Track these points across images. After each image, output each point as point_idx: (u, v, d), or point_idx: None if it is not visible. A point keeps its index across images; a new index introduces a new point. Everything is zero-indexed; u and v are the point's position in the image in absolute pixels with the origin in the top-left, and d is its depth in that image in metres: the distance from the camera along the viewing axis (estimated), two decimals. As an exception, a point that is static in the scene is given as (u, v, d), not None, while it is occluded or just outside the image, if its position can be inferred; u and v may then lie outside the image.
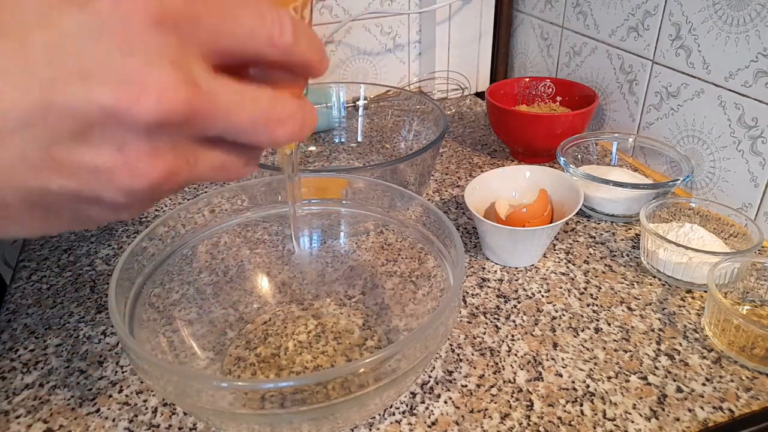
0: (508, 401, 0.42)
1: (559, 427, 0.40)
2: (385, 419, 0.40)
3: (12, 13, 0.17)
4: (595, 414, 0.41)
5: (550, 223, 0.55)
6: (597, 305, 0.51)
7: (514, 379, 0.43)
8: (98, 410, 0.42)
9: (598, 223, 0.62)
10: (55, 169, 0.18)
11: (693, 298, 0.51)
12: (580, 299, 0.51)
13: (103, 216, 0.21)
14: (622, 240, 0.60)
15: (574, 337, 0.47)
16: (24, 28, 0.17)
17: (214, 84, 0.19)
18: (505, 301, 0.51)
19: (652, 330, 0.48)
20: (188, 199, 0.68)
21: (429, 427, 0.40)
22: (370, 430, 0.40)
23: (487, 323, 0.49)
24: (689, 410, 0.41)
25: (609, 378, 0.43)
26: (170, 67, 0.18)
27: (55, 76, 0.17)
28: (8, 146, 0.18)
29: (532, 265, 0.56)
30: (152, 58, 0.17)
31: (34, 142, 0.18)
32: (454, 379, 0.43)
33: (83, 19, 0.17)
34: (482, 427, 0.40)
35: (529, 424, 0.40)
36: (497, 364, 0.45)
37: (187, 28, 0.18)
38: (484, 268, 0.56)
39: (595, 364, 0.45)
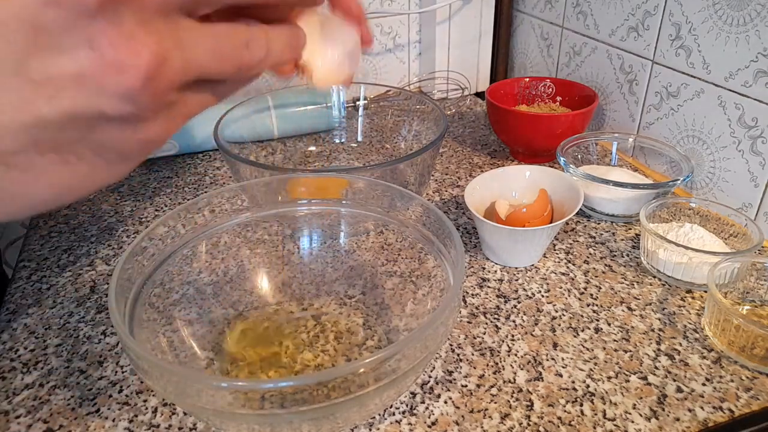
0: (508, 401, 0.42)
1: (559, 427, 0.40)
2: (385, 419, 0.40)
3: None
4: (595, 414, 0.41)
5: (550, 223, 0.55)
6: (597, 305, 0.51)
7: (514, 379, 0.43)
8: (98, 410, 0.42)
9: (598, 223, 0.62)
10: (39, 93, 0.17)
11: (693, 298, 0.51)
12: (580, 299, 0.51)
13: (123, 137, 0.19)
14: (622, 240, 0.60)
15: (574, 337, 0.47)
16: None
17: (175, 24, 0.18)
18: (505, 301, 0.51)
19: (652, 330, 0.48)
20: (188, 199, 0.68)
21: (429, 427, 0.40)
22: (370, 430, 0.40)
23: (487, 323, 0.49)
24: (689, 410, 0.41)
25: (609, 378, 0.43)
26: (151, 33, 0.17)
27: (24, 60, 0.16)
28: None
29: (532, 265, 0.56)
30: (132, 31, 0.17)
31: (3, 71, 0.16)
32: (454, 379, 0.43)
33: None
34: (482, 427, 0.40)
35: (529, 424, 0.40)
36: (497, 364, 0.45)
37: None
38: (484, 268, 0.56)
39: (595, 364, 0.45)
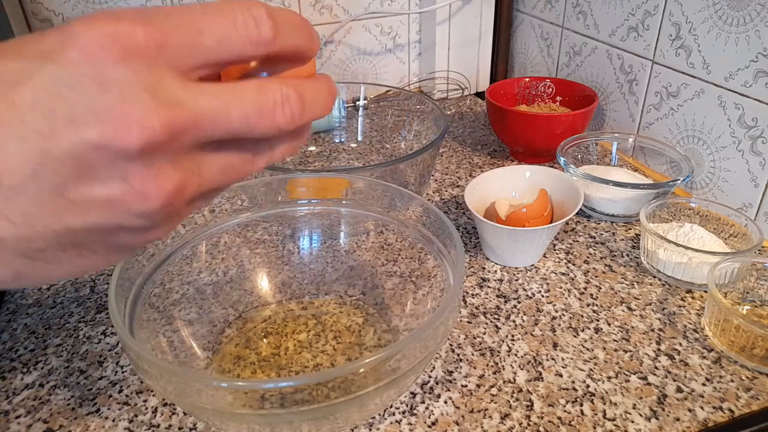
0: (508, 401, 0.42)
1: (559, 427, 0.40)
2: (385, 419, 0.40)
3: None
4: (595, 414, 0.41)
5: (550, 223, 0.55)
6: (597, 305, 0.51)
7: (514, 379, 0.43)
8: (98, 410, 0.42)
9: (598, 223, 0.62)
10: (72, 210, 0.20)
11: (693, 298, 0.51)
12: (580, 299, 0.51)
13: (133, 240, 0.22)
14: (622, 240, 0.60)
15: (574, 337, 0.47)
16: (7, 87, 0.19)
17: (193, 95, 0.20)
18: (505, 301, 0.51)
19: (652, 330, 0.48)
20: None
21: (429, 427, 0.40)
22: (370, 430, 0.40)
23: (487, 323, 0.49)
24: (689, 410, 0.41)
25: (609, 378, 0.43)
26: (144, 94, 0.19)
27: (46, 127, 0.19)
28: (23, 199, 0.19)
29: (532, 265, 0.56)
30: (125, 91, 0.19)
31: (45, 190, 0.19)
32: (454, 379, 0.43)
33: (58, 70, 0.19)
34: (482, 427, 0.40)
35: (529, 424, 0.40)
36: (497, 364, 0.45)
37: (152, 55, 0.19)
38: (484, 268, 0.56)
39: (595, 364, 0.45)
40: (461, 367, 0.45)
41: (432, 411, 0.41)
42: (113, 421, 0.41)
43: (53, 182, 0.19)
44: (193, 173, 0.21)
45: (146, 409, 0.42)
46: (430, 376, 0.44)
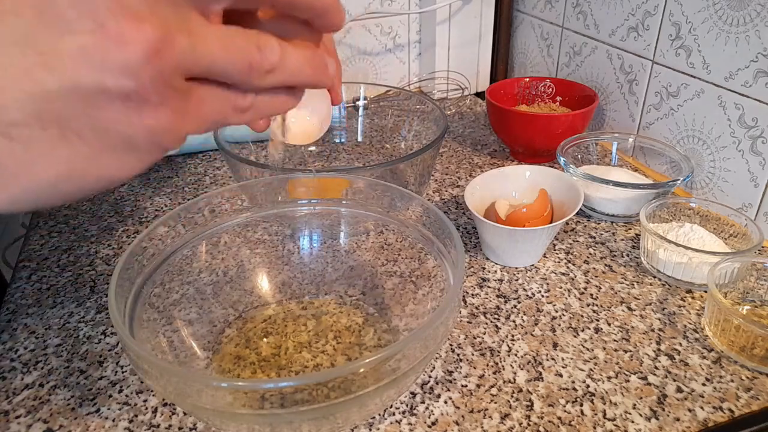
0: (508, 401, 0.42)
1: (559, 427, 0.40)
2: (385, 419, 0.40)
3: None
4: (595, 414, 0.41)
5: (550, 223, 0.55)
6: (597, 305, 0.51)
7: (514, 379, 0.43)
8: (98, 410, 0.42)
9: (598, 223, 0.62)
10: (43, 64, 0.17)
11: (693, 298, 0.51)
12: (580, 299, 0.51)
13: (125, 121, 0.19)
14: (622, 240, 0.60)
15: (574, 337, 0.47)
16: None
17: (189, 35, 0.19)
18: (505, 301, 0.51)
19: (652, 330, 0.48)
20: (188, 199, 0.68)
21: (429, 427, 0.40)
22: (370, 430, 0.40)
23: (487, 323, 0.49)
24: (689, 410, 0.41)
25: (609, 378, 0.43)
26: (167, 28, 0.18)
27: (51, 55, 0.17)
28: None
29: (532, 265, 0.56)
30: (109, 25, 0.17)
31: (13, 41, 0.17)
32: (454, 379, 0.43)
33: None
34: (482, 427, 0.40)
35: (529, 424, 0.40)
36: (497, 364, 0.45)
37: None
38: (484, 268, 0.56)
39: (595, 364, 0.45)
40: (461, 367, 0.45)
41: (432, 411, 0.41)
42: (113, 421, 0.41)
43: (20, 30, 0.17)
44: (181, 28, 0.18)
45: (146, 409, 0.42)
46: (430, 376, 0.44)
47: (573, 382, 0.43)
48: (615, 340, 0.47)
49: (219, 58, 0.20)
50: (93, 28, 0.17)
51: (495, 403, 0.41)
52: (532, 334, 0.48)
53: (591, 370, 0.44)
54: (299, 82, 0.23)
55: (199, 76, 0.20)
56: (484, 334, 0.48)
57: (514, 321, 0.49)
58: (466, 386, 0.43)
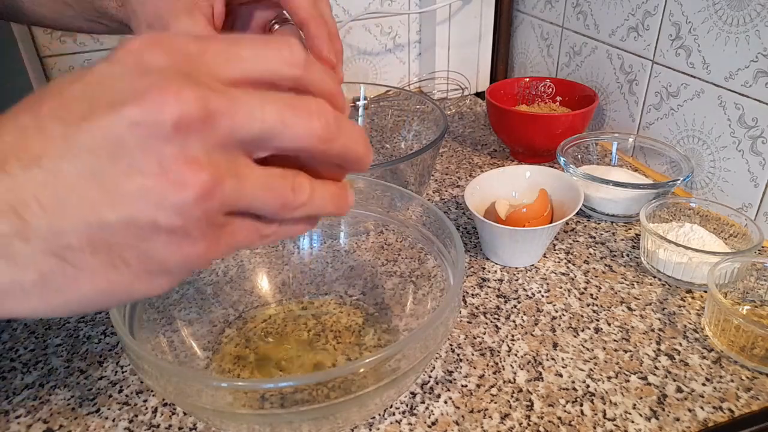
0: (508, 401, 0.42)
1: (559, 427, 0.40)
2: (385, 419, 0.40)
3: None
4: (595, 414, 0.41)
5: (550, 223, 0.55)
6: (597, 305, 0.51)
7: (514, 379, 0.43)
8: (98, 410, 0.42)
9: (598, 223, 0.62)
10: (107, 199, 0.19)
11: (693, 298, 0.51)
12: (580, 299, 0.51)
13: (168, 252, 0.21)
14: (622, 240, 0.60)
15: (574, 337, 0.47)
16: (63, 84, 0.20)
17: (229, 89, 0.21)
18: (505, 301, 0.51)
19: (652, 330, 0.48)
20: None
21: (429, 427, 0.40)
22: (370, 430, 0.40)
23: (487, 323, 0.49)
24: (689, 410, 0.41)
25: (609, 378, 0.43)
26: (182, 77, 0.20)
27: (87, 110, 0.19)
28: (59, 183, 0.19)
29: (532, 265, 0.56)
30: (164, 74, 0.19)
31: (82, 175, 0.19)
32: (454, 379, 0.43)
33: (106, 66, 0.20)
34: (482, 427, 0.40)
35: (529, 424, 0.40)
36: (497, 364, 0.45)
37: (193, 54, 0.21)
38: (484, 268, 0.56)
39: (595, 364, 0.45)
40: (461, 367, 0.45)
41: (432, 411, 0.41)
42: (113, 421, 0.41)
43: (90, 166, 0.19)
44: (230, 173, 0.20)
45: (146, 409, 0.42)
46: (430, 376, 0.44)
47: (573, 382, 0.43)
48: (615, 340, 0.47)
49: (259, 198, 0.22)
50: (157, 172, 0.19)
51: (495, 403, 0.41)
52: (532, 334, 0.48)
53: (591, 370, 0.44)
54: (320, 214, 0.25)
55: (236, 211, 0.22)
56: (484, 334, 0.48)
57: (514, 321, 0.49)
58: (466, 386, 0.43)
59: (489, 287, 0.53)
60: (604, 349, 0.46)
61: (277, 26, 0.42)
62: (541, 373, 0.44)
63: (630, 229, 0.61)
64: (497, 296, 0.52)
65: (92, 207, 0.19)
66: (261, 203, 0.22)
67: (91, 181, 0.19)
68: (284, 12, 0.41)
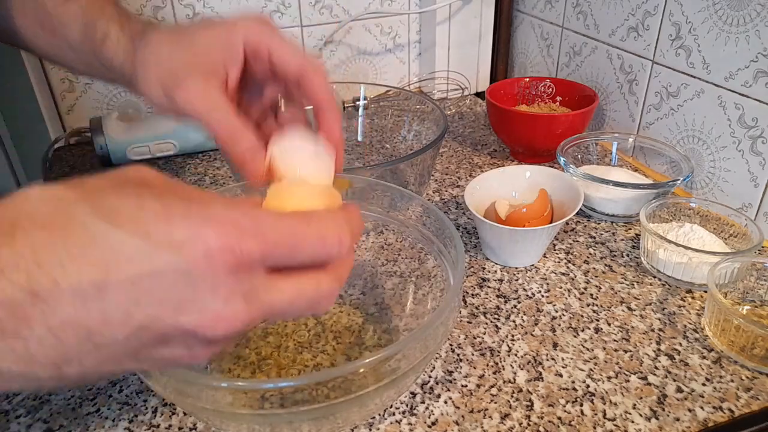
0: (508, 401, 0.42)
1: (559, 427, 0.40)
2: (385, 419, 0.40)
3: (120, 250, 0.21)
4: (595, 414, 0.41)
5: (550, 223, 0.55)
6: (597, 305, 0.51)
7: (514, 379, 0.43)
8: (98, 410, 0.42)
9: (598, 223, 0.62)
10: (135, 362, 0.24)
11: (693, 298, 0.51)
12: (580, 299, 0.51)
13: (177, 360, 0.25)
14: (622, 240, 0.60)
15: (574, 337, 0.47)
16: (128, 263, 0.21)
17: (271, 296, 0.25)
18: (505, 301, 0.51)
19: (652, 330, 0.48)
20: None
21: (429, 427, 0.40)
22: (370, 430, 0.40)
23: (487, 323, 0.49)
24: (689, 410, 0.41)
25: (609, 378, 0.43)
26: (242, 301, 0.23)
27: (155, 309, 0.22)
28: (103, 354, 0.22)
29: (532, 265, 0.56)
30: (229, 298, 0.23)
31: (125, 352, 0.23)
32: (454, 379, 0.43)
33: (183, 264, 0.22)
34: (482, 427, 0.40)
35: (529, 424, 0.40)
36: (497, 364, 0.45)
37: (257, 264, 0.24)
38: (484, 268, 0.56)
39: (595, 364, 0.45)
40: (461, 367, 0.45)
41: (432, 411, 0.41)
42: (113, 421, 0.41)
43: (135, 347, 0.23)
44: (264, 312, 0.25)
45: (146, 409, 0.42)
46: (430, 376, 0.44)
47: (573, 382, 0.43)
48: (615, 340, 0.47)
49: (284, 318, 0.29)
50: (182, 350, 0.24)
51: (495, 403, 0.41)
52: (532, 334, 0.48)
53: (591, 370, 0.44)
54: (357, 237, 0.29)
55: None
56: (484, 334, 0.48)
57: (514, 321, 0.49)
58: (466, 386, 0.43)
59: (489, 287, 0.53)
60: (604, 349, 0.46)
61: (283, 104, 0.43)
62: (541, 373, 0.44)
63: (630, 229, 0.62)
64: (497, 296, 0.52)
65: (122, 365, 0.24)
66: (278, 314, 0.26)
67: (131, 355, 0.23)
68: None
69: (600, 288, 0.53)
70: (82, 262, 0.21)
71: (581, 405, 0.41)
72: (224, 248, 0.22)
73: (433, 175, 0.72)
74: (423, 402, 0.42)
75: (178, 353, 0.24)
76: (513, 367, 0.44)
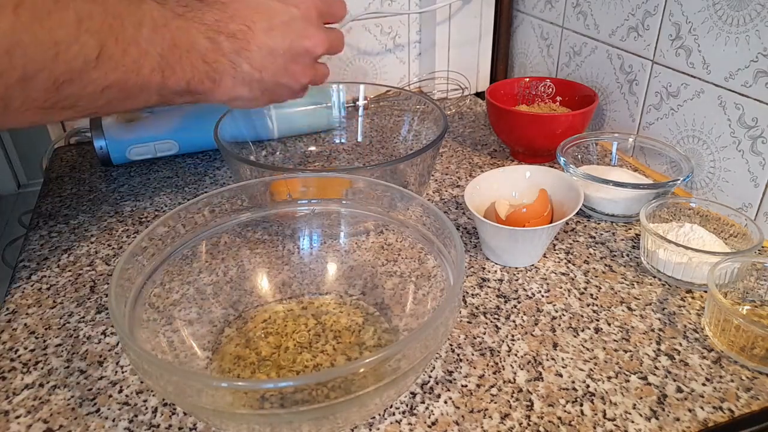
0: (508, 401, 0.42)
1: (559, 427, 0.40)
2: (385, 419, 0.40)
3: (275, 8, 0.44)
4: (595, 414, 0.41)
5: (550, 223, 0.55)
6: (597, 305, 0.51)
7: (514, 379, 0.43)
8: (98, 410, 0.42)
9: (598, 223, 0.62)
10: (286, 74, 0.46)
11: (693, 298, 0.51)
12: (580, 299, 0.51)
13: (303, 69, 0.48)
14: (622, 240, 0.60)
15: (574, 337, 0.47)
16: (280, 14, 0.44)
17: (327, 33, 0.48)
18: (505, 301, 0.51)
19: (652, 330, 0.48)
20: (188, 199, 0.68)
21: (429, 427, 0.40)
22: (370, 430, 0.40)
23: (487, 323, 0.49)
24: (689, 410, 0.41)
25: (609, 378, 0.43)
26: (323, 32, 0.47)
27: (293, 35, 0.45)
28: (271, 61, 0.44)
29: (532, 265, 0.56)
30: (320, 30, 0.47)
31: (282, 62, 0.45)
32: (454, 379, 0.43)
33: (292, 11, 0.45)
34: (482, 427, 0.40)
35: (529, 424, 0.40)
36: (497, 364, 0.45)
37: (324, 15, 0.48)
38: (484, 268, 0.56)
39: (595, 364, 0.45)
40: (461, 367, 0.45)
41: (432, 411, 0.41)
42: (113, 421, 0.41)
43: (287, 60, 0.45)
44: (330, 43, 0.49)
45: (146, 409, 0.42)
46: (430, 376, 0.44)
47: (573, 382, 0.43)
48: (615, 340, 0.47)
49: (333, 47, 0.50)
50: (304, 66, 0.48)
51: (495, 403, 0.41)
52: (532, 334, 0.48)
53: (591, 370, 0.44)
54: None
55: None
56: (484, 334, 0.48)
57: (514, 321, 0.49)
58: (466, 386, 0.43)
59: (489, 287, 0.53)
60: (604, 349, 0.46)
61: None
62: (541, 373, 0.44)
63: (630, 229, 0.62)
64: (497, 296, 0.52)
65: (279, 76, 0.46)
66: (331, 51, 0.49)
67: (282, 66, 0.45)
68: None
69: (600, 288, 0.53)
70: (258, 18, 0.43)
71: (581, 405, 0.41)
72: (316, 5, 0.46)
73: (433, 175, 0.72)
74: (423, 402, 0.42)
75: (300, 68, 0.46)
76: (513, 367, 0.44)
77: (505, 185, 0.60)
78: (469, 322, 0.49)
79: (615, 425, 0.40)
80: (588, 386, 0.43)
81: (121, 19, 0.34)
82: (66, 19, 0.31)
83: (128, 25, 0.34)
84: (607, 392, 0.42)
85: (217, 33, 0.41)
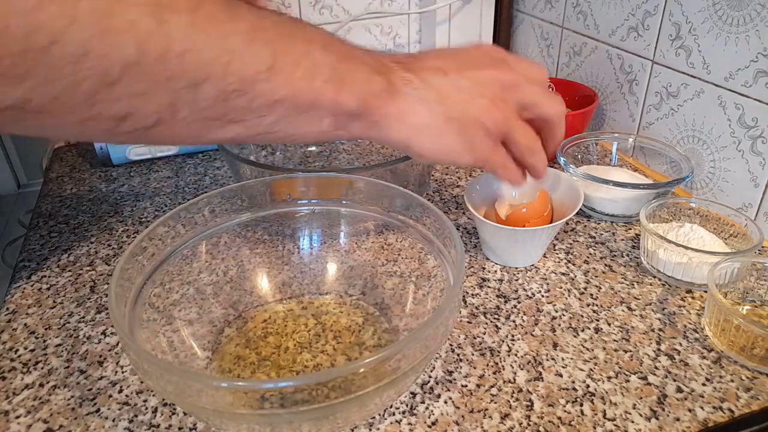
0: (508, 401, 0.42)
1: (559, 427, 0.40)
2: (385, 419, 0.40)
3: (431, 68, 0.40)
4: (595, 414, 0.41)
5: (550, 223, 0.55)
6: (597, 305, 0.51)
7: (514, 379, 0.43)
8: (98, 410, 0.42)
9: (598, 223, 0.62)
10: (472, 102, 0.41)
11: (693, 298, 0.51)
12: (580, 299, 0.51)
13: (481, 139, 0.42)
14: (622, 240, 0.60)
15: (574, 337, 0.47)
16: (443, 83, 0.40)
17: (517, 122, 0.43)
18: (505, 301, 0.51)
19: (652, 330, 0.48)
20: (188, 199, 0.68)
21: (429, 427, 0.40)
22: (370, 430, 0.40)
23: (487, 323, 0.49)
24: (689, 410, 0.41)
25: (609, 378, 0.43)
26: (507, 106, 0.42)
27: (475, 97, 0.41)
28: (459, 92, 0.41)
29: (532, 265, 0.56)
30: (500, 103, 0.42)
31: (469, 93, 0.41)
32: (454, 379, 0.43)
33: (480, 77, 0.41)
34: (482, 427, 0.40)
35: (529, 424, 0.40)
36: (497, 364, 0.45)
37: (510, 88, 0.42)
38: (484, 268, 0.56)
39: (595, 364, 0.45)
40: (461, 367, 0.45)
41: (432, 411, 0.41)
42: (113, 421, 0.41)
43: (472, 93, 0.41)
44: (513, 120, 0.43)
45: (146, 409, 0.42)
46: (430, 376, 0.44)
47: (573, 382, 0.43)
48: (615, 340, 0.47)
49: (519, 138, 0.43)
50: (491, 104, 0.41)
51: (495, 403, 0.41)
52: (532, 334, 0.48)
53: (591, 370, 0.44)
54: (537, 168, 0.47)
55: (504, 140, 0.43)
56: (484, 334, 0.48)
57: (514, 321, 0.49)
58: (466, 386, 0.43)
59: (489, 287, 0.53)
60: (604, 349, 0.46)
61: None
62: (541, 373, 0.44)
63: (630, 229, 0.61)
64: (497, 296, 0.52)
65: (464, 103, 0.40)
66: (518, 140, 0.43)
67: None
68: None
69: (600, 288, 0.53)
70: (429, 66, 0.40)
71: (581, 405, 0.41)
72: (495, 77, 0.42)
73: (433, 175, 0.72)
74: (423, 402, 0.42)
75: (491, 104, 0.41)
76: (513, 367, 0.44)
77: (505, 185, 0.60)
78: (469, 322, 0.49)
79: (615, 425, 0.40)
80: (588, 386, 0.43)
81: (293, 36, 0.34)
82: (240, 28, 0.30)
83: (299, 41, 0.34)
84: (607, 392, 0.42)
85: (386, 57, 0.39)
